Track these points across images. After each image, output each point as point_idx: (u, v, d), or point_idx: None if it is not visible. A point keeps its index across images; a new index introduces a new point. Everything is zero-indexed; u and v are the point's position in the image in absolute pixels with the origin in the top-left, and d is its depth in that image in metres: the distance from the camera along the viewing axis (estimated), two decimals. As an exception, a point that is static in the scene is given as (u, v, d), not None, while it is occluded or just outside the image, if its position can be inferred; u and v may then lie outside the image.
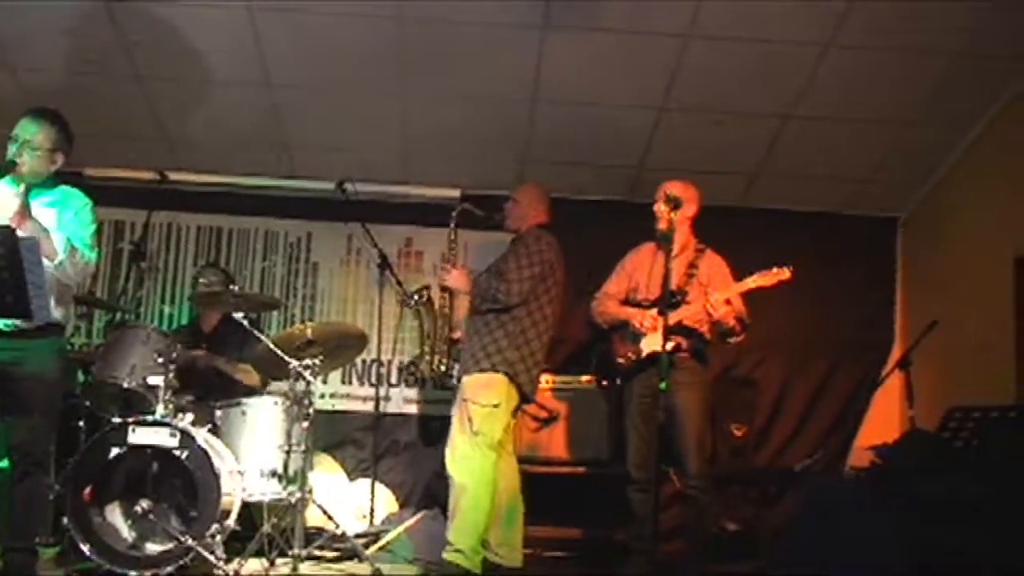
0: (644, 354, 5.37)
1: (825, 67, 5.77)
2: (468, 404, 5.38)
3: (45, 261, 4.29)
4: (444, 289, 5.84)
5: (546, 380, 6.37)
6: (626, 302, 5.59)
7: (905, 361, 5.86)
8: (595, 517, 6.33)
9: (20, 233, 3.83)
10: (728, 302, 5.24)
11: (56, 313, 4.50)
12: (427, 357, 5.77)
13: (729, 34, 5.60)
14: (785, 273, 5.20)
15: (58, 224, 4.48)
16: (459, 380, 5.49)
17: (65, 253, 4.41)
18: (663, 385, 4.64)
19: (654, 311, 5.31)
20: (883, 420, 6.69)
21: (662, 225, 5.39)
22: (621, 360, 5.47)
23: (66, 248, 4.42)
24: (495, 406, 5.37)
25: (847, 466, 6.64)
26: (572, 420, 6.32)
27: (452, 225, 5.80)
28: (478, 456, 5.36)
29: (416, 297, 5.89)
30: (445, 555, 5.29)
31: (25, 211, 4.26)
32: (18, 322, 4.22)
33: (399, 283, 6.66)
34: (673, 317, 5.25)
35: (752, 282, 5.24)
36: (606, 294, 5.69)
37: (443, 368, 5.75)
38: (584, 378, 6.42)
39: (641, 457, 5.37)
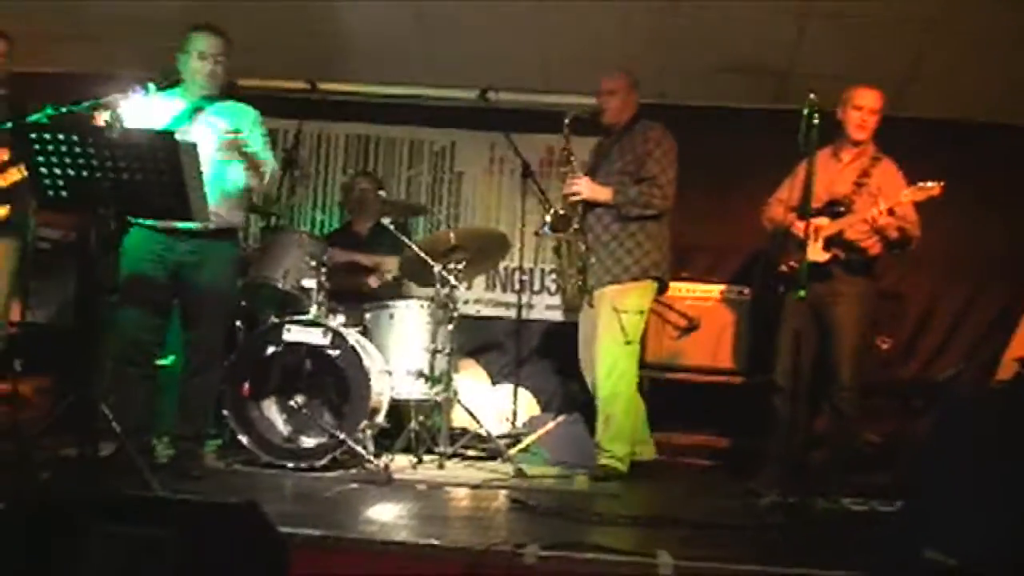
0: (806, 263, 5.23)
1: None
2: (619, 314, 5.43)
3: (250, 179, 4.70)
4: (571, 203, 5.57)
5: (686, 289, 6.41)
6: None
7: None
8: (732, 425, 6.39)
9: (179, 137, 4.00)
10: (891, 211, 5.12)
11: (234, 218, 4.82)
12: (572, 280, 5.57)
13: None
14: (936, 189, 5.06)
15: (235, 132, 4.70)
16: (595, 289, 5.50)
17: (271, 174, 4.79)
18: (802, 293, 4.62)
19: (817, 220, 5.18)
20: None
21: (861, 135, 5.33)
22: (784, 268, 5.38)
23: (273, 171, 4.81)
24: (642, 312, 5.50)
25: (994, 379, 6.50)
26: (710, 328, 6.33)
27: (566, 133, 5.59)
28: (631, 363, 5.49)
29: (551, 223, 5.56)
30: (603, 460, 5.42)
31: (240, 144, 4.60)
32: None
33: (542, 192, 6.71)
34: (834, 227, 5.21)
35: (904, 197, 5.12)
36: (777, 199, 5.60)
37: (588, 286, 5.56)
38: (720, 287, 6.41)
39: (789, 365, 5.33)
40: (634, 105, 5.67)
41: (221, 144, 4.58)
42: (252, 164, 4.69)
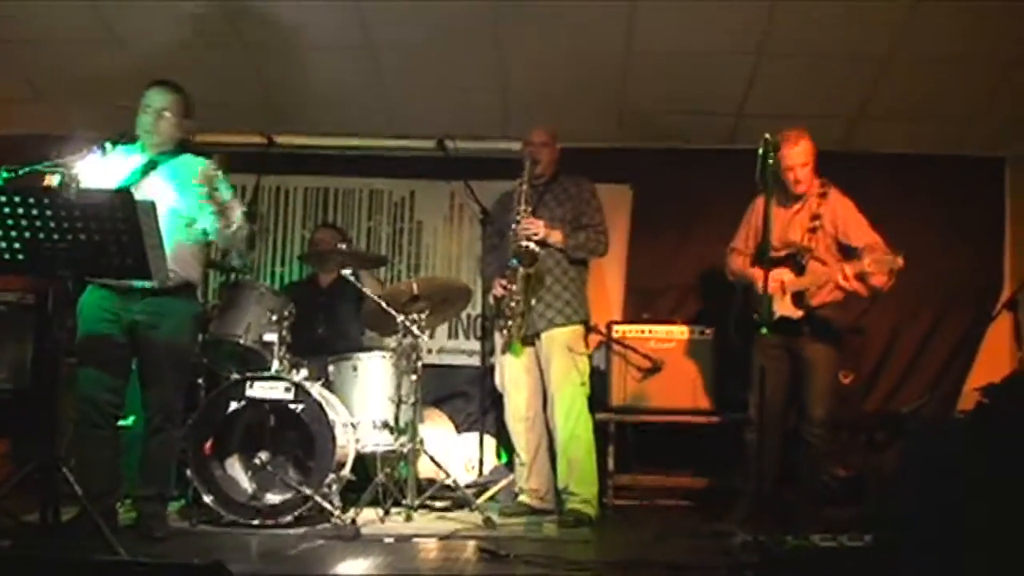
0: (776, 317, 5.22)
1: (926, 5, 5.63)
2: (575, 355, 5.54)
3: (226, 232, 4.71)
4: (524, 243, 5.48)
5: (649, 331, 6.41)
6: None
7: (1014, 302, 5.74)
8: (699, 465, 6.39)
9: (137, 196, 3.97)
10: (859, 276, 5.13)
11: (191, 274, 4.75)
12: (517, 320, 5.55)
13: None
14: (899, 261, 5.05)
15: (178, 187, 4.67)
16: (541, 332, 5.56)
17: (239, 223, 4.75)
18: (764, 331, 4.65)
19: (779, 274, 5.23)
20: (995, 364, 6.55)
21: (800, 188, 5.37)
22: (757, 316, 5.31)
23: (241, 218, 4.76)
24: (588, 355, 5.68)
25: (957, 410, 6.56)
26: (673, 369, 6.34)
27: (526, 179, 5.61)
28: (586, 405, 5.59)
29: (521, 259, 5.51)
30: (572, 505, 5.46)
31: (214, 186, 4.60)
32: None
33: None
34: (800, 283, 5.24)
35: (871, 275, 5.12)
36: (735, 249, 5.65)
37: (531, 328, 5.60)
38: (682, 328, 6.42)
39: (760, 399, 5.34)
40: (558, 156, 5.80)
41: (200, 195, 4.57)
42: (222, 209, 4.67)
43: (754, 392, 5.43)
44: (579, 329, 5.64)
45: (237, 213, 4.79)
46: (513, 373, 5.69)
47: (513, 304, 5.52)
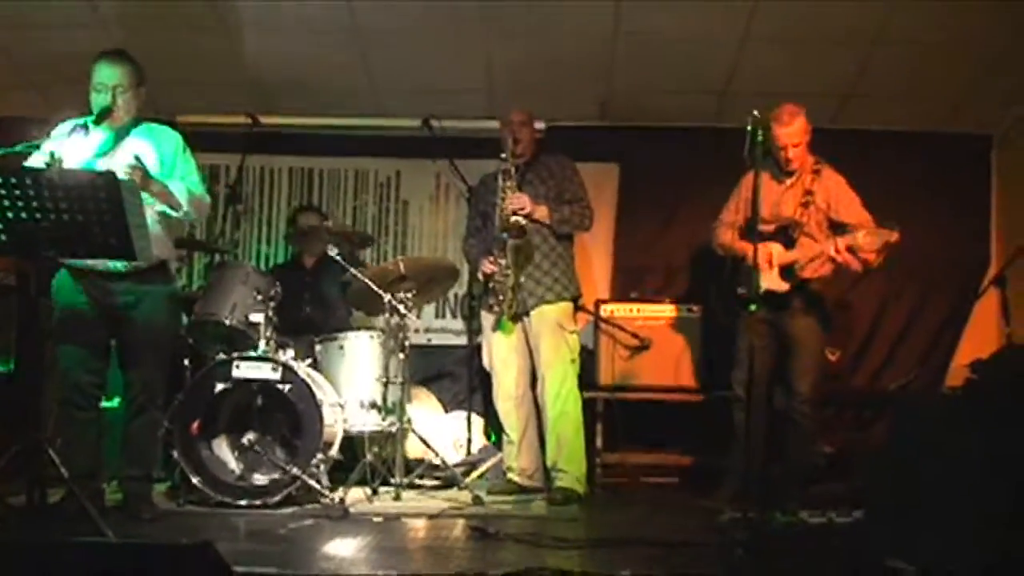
0: (762, 291, 5.18)
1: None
2: (565, 332, 5.55)
3: (170, 211, 4.53)
4: (512, 218, 5.45)
5: (636, 309, 6.42)
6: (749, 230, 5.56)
7: (1001, 278, 5.75)
8: (687, 443, 6.40)
9: (121, 176, 3.93)
10: (849, 248, 5.17)
11: (163, 252, 4.64)
12: (508, 296, 5.53)
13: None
14: (894, 235, 5.10)
15: (159, 158, 4.60)
16: (530, 310, 5.54)
17: (189, 204, 4.60)
18: (753, 308, 4.64)
19: (768, 248, 5.27)
20: (981, 340, 6.56)
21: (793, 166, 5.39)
22: (742, 292, 5.41)
23: (190, 199, 4.61)
24: (577, 332, 5.69)
25: (944, 386, 6.57)
26: (661, 347, 6.34)
27: (509, 157, 5.57)
28: (575, 383, 5.61)
29: (510, 231, 5.49)
30: (561, 483, 5.47)
31: (146, 174, 4.41)
32: (133, 263, 4.32)
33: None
34: (789, 257, 5.25)
35: (864, 244, 5.15)
36: (723, 222, 5.66)
37: (520, 306, 5.59)
38: (670, 306, 6.43)
39: (747, 377, 5.35)
40: (537, 136, 5.85)
41: (127, 174, 4.35)
42: (161, 193, 4.51)
43: (740, 369, 5.44)
44: (569, 306, 5.64)
45: (185, 196, 4.59)
46: (501, 352, 5.67)
47: (503, 279, 5.50)
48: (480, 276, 5.72)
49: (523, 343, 5.62)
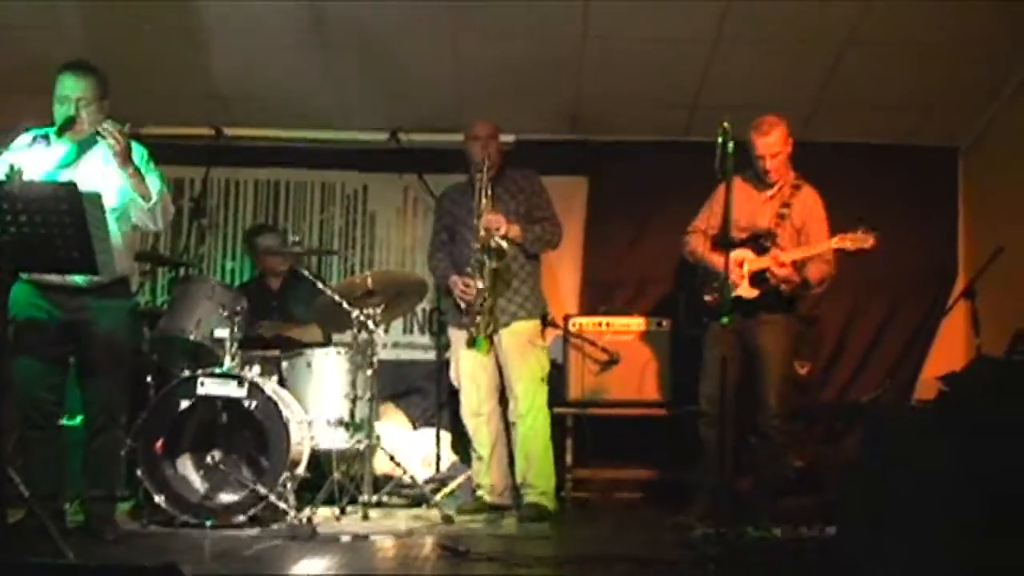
0: (731, 296, 5.24)
1: (880, -7, 5.64)
2: (535, 349, 5.55)
3: (142, 202, 4.43)
4: (487, 237, 5.40)
5: (605, 324, 6.38)
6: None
7: (970, 290, 5.77)
8: (658, 457, 6.36)
9: (83, 188, 3.85)
10: (793, 264, 5.19)
11: (122, 266, 4.54)
12: (485, 316, 5.43)
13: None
14: (870, 240, 5.12)
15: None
16: (501, 328, 5.48)
17: (158, 201, 4.50)
18: (725, 320, 4.62)
19: (739, 255, 5.27)
20: (949, 352, 6.60)
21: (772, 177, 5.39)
22: (708, 298, 5.41)
23: (160, 195, 4.52)
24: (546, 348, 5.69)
25: (913, 399, 6.59)
26: (631, 362, 6.31)
27: (483, 172, 5.48)
28: (545, 399, 5.58)
29: (491, 254, 5.41)
30: (532, 498, 5.44)
31: (128, 148, 4.36)
32: (93, 277, 4.25)
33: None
34: (760, 263, 5.25)
35: (835, 243, 5.18)
36: (695, 230, 5.62)
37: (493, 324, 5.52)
38: (639, 320, 6.40)
39: (713, 391, 5.34)
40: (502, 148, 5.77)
41: (111, 144, 4.32)
42: (137, 175, 4.44)
43: (707, 383, 5.40)
44: (538, 323, 5.64)
45: (157, 189, 4.53)
46: (469, 368, 5.62)
47: (481, 301, 5.41)
48: (457, 295, 5.55)
49: (492, 360, 5.57)
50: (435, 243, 5.90)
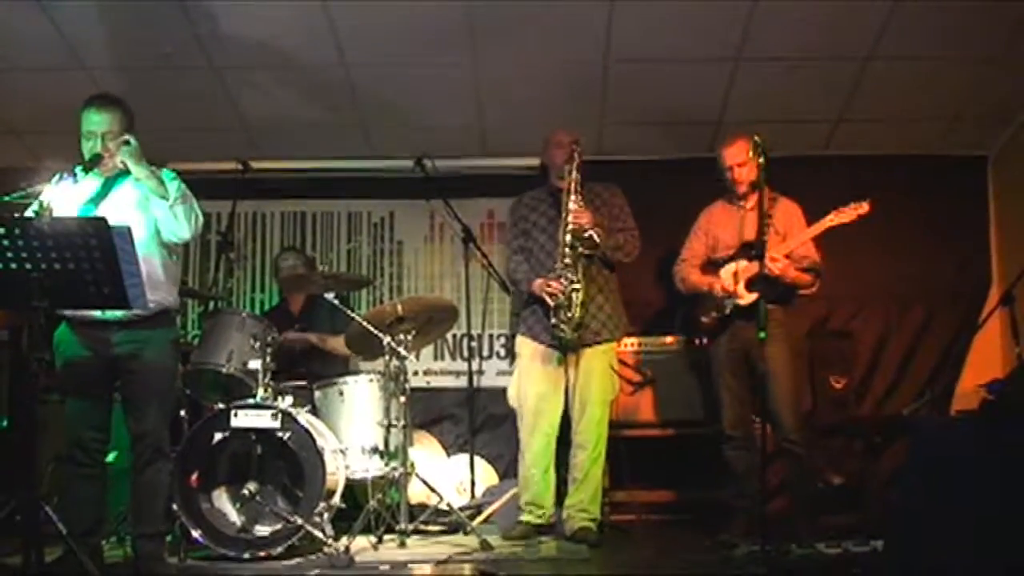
0: (728, 311, 5.32)
1: (903, 6, 5.59)
2: (612, 372, 5.50)
3: (160, 204, 4.38)
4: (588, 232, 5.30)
5: (634, 343, 6.33)
6: (708, 262, 5.53)
7: (1008, 297, 5.69)
8: (694, 477, 6.28)
9: (113, 223, 3.83)
10: (787, 256, 5.19)
11: (166, 299, 4.52)
12: (579, 311, 5.25)
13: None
14: (864, 207, 5.13)
15: (141, 200, 4.48)
16: (585, 345, 5.37)
17: (179, 192, 4.44)
18: (762, 335, 4.57)
19: (732, 267, 5.33)
20: (984, 363, 6.52)
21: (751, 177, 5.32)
22: (705, 320, 5.44)
23: (179, 189, 4.46)
24: None
25: (952, 411, 6.50)
26: (663, 382, 6.26)
27: (578, 163, 5.39)
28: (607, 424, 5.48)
29: (581, 241, 5.30)
30: (584, 523, 5.33)
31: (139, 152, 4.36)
32: (137, 311, 4.23)
33: (484, 256, 6.69)
34: (754, 268, 5.20)
35: (830, 220, 5.18)
36: (686, 260, 5.64)
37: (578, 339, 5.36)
38: (669, 339, 6.36)
39: (735, 414, 5.35)
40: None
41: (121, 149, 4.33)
42: (154, 176, 4.39)
43: (726, 406, 5.39)
44: (615, 345, 5.58)
45: (175, 186, 4.48)
46: (541, 387, 5.43)
47: (569, 296, 5.25)
48: (545, 294, 5.32)
49: (562, 378, 5.42)
50: (513, 247, 5.71)
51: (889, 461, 6.25)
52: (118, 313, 4.28)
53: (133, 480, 4.54)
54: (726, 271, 5.36)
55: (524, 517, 5.46)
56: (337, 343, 6.12)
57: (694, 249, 5.63)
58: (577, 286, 5.25)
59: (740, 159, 5.36)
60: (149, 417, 4.49)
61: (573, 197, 5.34)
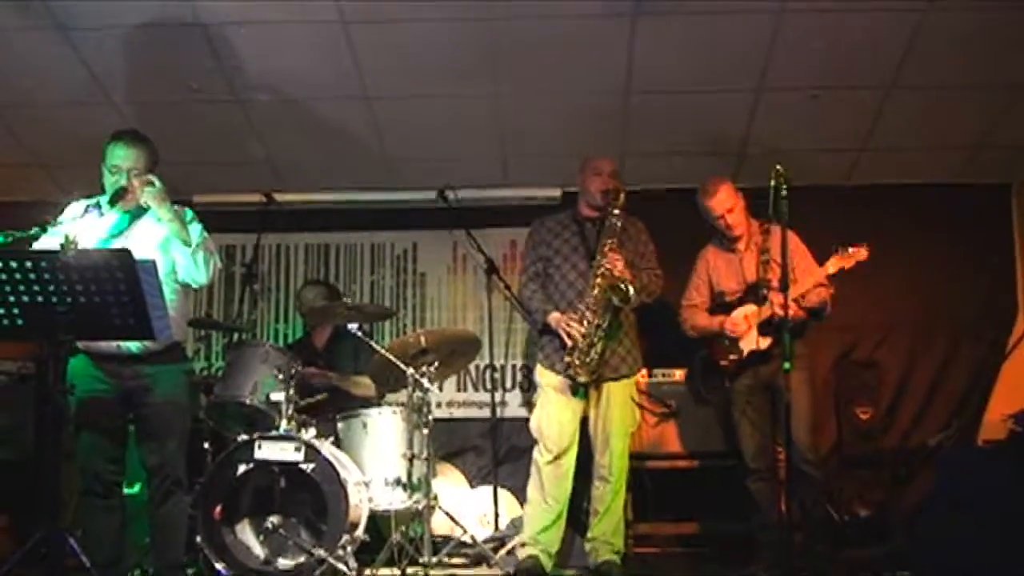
0: (745, 354, 5.33)
1: (925, 33, 5.57)
2: (633, 405, 5.49)
3: (183, 246, 4.43)
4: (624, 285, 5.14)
5: (661, 375, 6.30)
6: (716, 305, 5.56)
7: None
8: (718, 510, 6.23)
9: (138, 257, 3.87)
10: (802, 296, 5.19)
11: (177, 332, 4.56)
12: (596, 357, 5.19)
13: (823, 5, 5.43)
14: (862, 253, 5.13)
15: (163, 242, 4.51)
16: (606, 380, 5.32)
17: (201, 239, 4.51)
18: (787, 366, 4.54)
19: (742, 311, 5.36)
20: (1011, 392, 6.47)
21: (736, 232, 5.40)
22: (724, 363, 5.44)
23: (201, 234, 4.53)
24: None
25: (979, 441, 6.44)
26: (689, 413, 6.22)
27: (617, 210, 5.30)
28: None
29: (616, 294, 5.13)
30: (608, 556, 5.30)
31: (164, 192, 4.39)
32: (148, 344, 4.28)
33: (507, 287, 6.69)
34: (765, 312, 5.22)
35: (832, 267, 5.18)
36: (692, 306, 5.64)
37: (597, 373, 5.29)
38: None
39: (757, 445, 5.34)
40: None
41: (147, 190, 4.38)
42: (178, 219, 4.45)
43: (747, 440, 5.40)
44: (636, 380, 5.55)
45: (197, 230, 4.55)
46: (565, 419, 5.31)
47: (591, 341, 5.16)
48: (563, 332, 5.24)
49: (582, 410, 5.34)
50: (529, 273, 5.53)
51: (915, 492, 6.20)
52: (132, 346, 4.34)
53: (151, 513, 4.57)
54: (737, 315, 5.37)
55: (531, 551, 5.32)
56: (358, 384, 6.13)
57: (700, 293, 5.63)
58: (601, 333, 5.17)
59: (729, 205, 5.37)
60: (164, 450, 4.53)
61: (611, 241, 5.23)
